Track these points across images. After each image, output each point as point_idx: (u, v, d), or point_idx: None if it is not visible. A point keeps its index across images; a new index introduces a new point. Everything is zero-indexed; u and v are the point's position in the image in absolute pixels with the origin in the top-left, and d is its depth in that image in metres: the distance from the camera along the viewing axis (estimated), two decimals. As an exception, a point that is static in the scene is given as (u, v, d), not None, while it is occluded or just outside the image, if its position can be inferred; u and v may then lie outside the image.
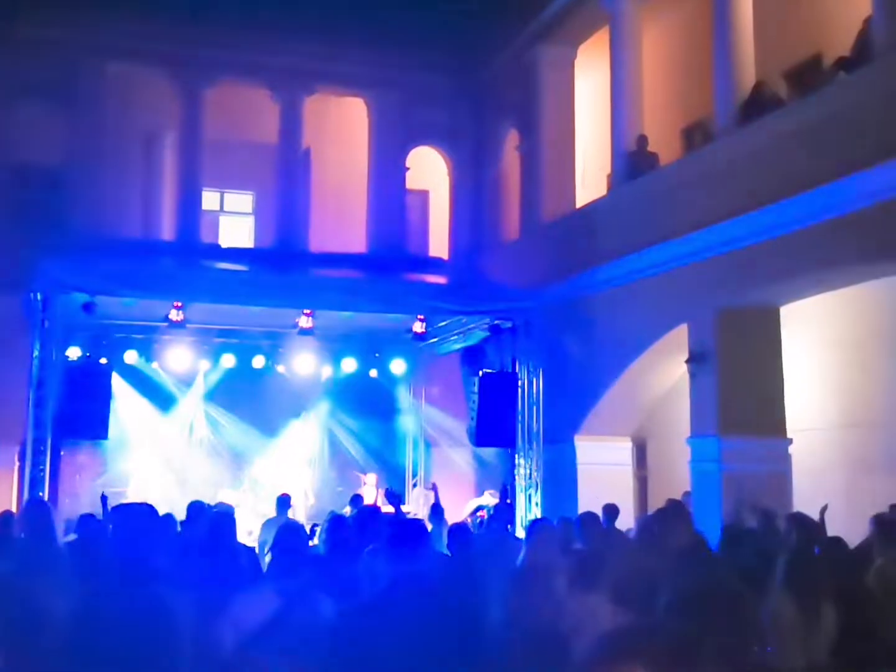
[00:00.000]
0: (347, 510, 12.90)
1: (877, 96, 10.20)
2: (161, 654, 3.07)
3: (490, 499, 15.24)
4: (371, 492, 16.16)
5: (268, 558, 9.65)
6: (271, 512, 14.17)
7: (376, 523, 6.84)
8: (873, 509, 9.39)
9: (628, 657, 1.49)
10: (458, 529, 7.93)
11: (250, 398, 16.98)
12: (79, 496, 14.68)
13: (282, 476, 16.88)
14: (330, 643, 3.35)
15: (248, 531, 12.91)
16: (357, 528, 6.84)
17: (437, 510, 12.75)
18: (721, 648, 1.50)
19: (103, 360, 14.12)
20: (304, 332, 14.53)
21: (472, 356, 16.19)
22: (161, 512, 8.41)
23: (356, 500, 13.76)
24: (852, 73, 11.04)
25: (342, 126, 20.13)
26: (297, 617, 4.18)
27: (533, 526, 7.93)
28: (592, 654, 1.52)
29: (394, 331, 16.32)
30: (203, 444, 17.02)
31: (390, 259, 19.06)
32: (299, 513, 15.61)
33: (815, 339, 13.41)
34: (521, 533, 14.43)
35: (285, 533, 5.30)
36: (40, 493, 12.21)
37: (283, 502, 12.49)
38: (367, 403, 17.68)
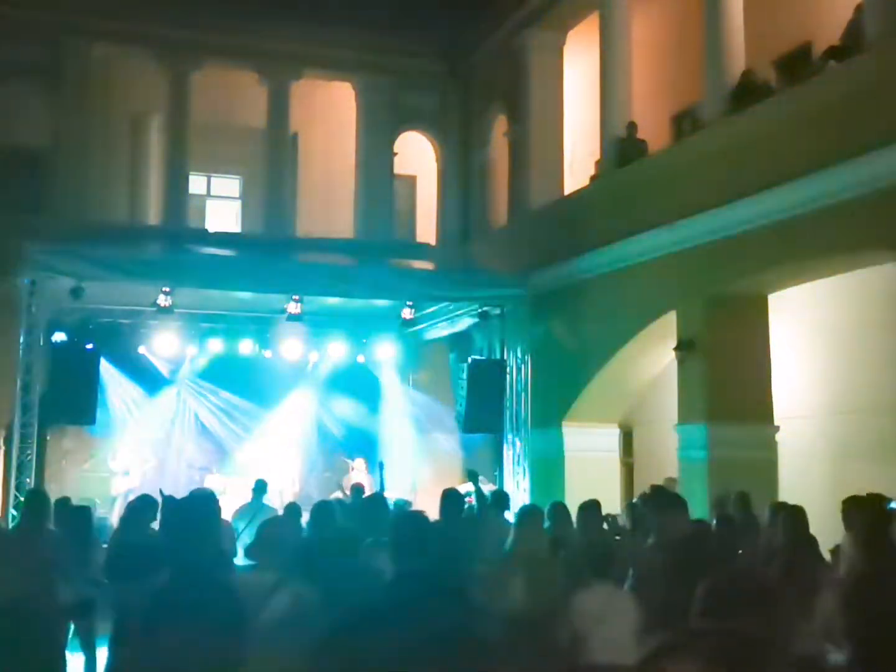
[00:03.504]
0: (339, 494, 12.81)
1: (867, 86, 10.22)
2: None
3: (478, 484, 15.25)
4: (360, 477, 16.15)
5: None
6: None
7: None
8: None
9: (679, 656, 1.49)
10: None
11: (238, 383, 16.95)
12: (65, 481, 14.64)
13: (269, 461, 16.86)
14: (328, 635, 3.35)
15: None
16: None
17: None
18: (766, 644, 1.52)
19: (90, 346, 14.06)
20: (293, 317, 14.50)
21: (460, 342, 16.22)
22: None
23: (357, 489, 13.16)
24: (843, 62, 11.06)
25: (330, 111, 20.04)
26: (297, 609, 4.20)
27: (522, 512, 7.90)
28: (644, 653, 1.53)
29: (382, 317, 16.30)
30: (190, 429, 16.98)
31: (378, 244, 19.02)
32: (287, 499, 15.59)
33: (803, 327, 13.47)
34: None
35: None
36: (27, 480, 12.20)
37: (260, 488, 12.37)
38: (355, 389, 17.66)
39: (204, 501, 4.62)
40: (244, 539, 9.91)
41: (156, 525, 7.82)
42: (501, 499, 10.63)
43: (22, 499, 12.05)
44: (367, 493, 14.60)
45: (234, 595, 3.65)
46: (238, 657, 3.33)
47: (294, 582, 4.81)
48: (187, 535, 3.97)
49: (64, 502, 9.72)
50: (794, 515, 7.16)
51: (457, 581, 4.56)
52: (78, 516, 9.05)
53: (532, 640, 5.11)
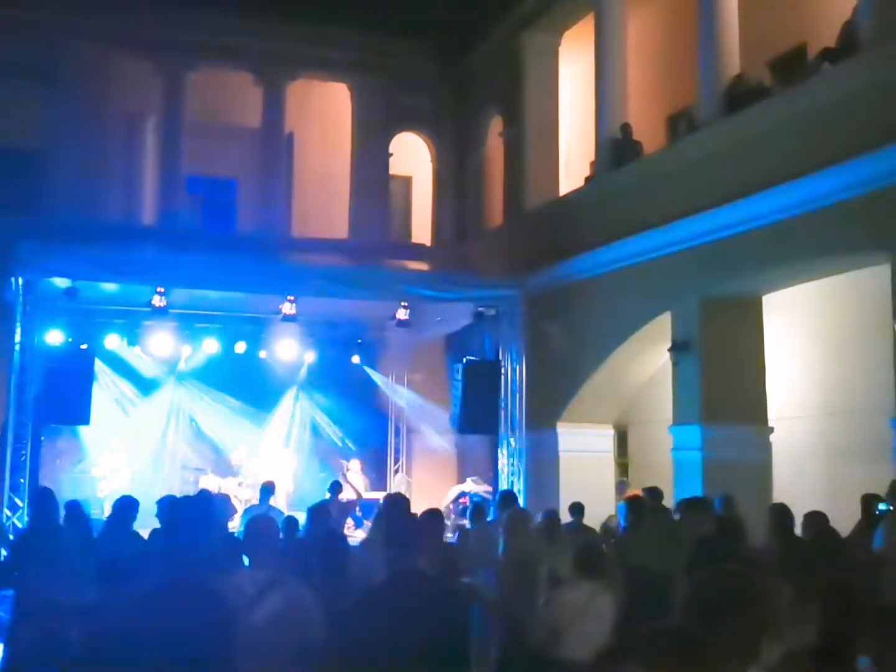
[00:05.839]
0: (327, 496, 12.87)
1: (861, 87, 10.24)
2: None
3: (472, 485, 15.27)
4: (355, 478, 16.15)
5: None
6: (253, 499, 14.17)
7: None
8: (853, 497, 9.51)
9: (629, 656, 1.50)
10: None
11: (232, 384, 16.92)
12: (59, 481, 14.60)
13: (263, 462, 16.85)
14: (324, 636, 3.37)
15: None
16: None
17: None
18: (733, 644, 1.51)
19: (84, 346, 14.03)
20: (288, 318, 14.50)
21: (455, 343, 16.21)
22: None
23: (335, 486, 13.57)
24: (837, 64, 11.08)
25: (325, 111, 20.02)
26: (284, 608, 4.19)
27: (509, 516, 7.78)
28: (597, 653, 1.54)
29: (377, 317, 16.30)
30: (184, 429, 16.96)
31: (373, 245, 19.02)
32: (280, 500, 15.58)
33: (797, 327, 13.49)
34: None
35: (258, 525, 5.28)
36: (21, 480, 12.18)
37: (267, 490, 12.41)
38: (350, 390, 17.65)
39: (199, 504, 4.61)
40: None
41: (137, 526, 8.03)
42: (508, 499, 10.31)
43: (17, 499, 12.08)
44: (364, 493, 14.70)
45: (221, 599, 3.64)
46: (223, 660, 3.33)
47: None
48: (179, 538, 3.97)
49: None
50: (784, 515, 7.22)
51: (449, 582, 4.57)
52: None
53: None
